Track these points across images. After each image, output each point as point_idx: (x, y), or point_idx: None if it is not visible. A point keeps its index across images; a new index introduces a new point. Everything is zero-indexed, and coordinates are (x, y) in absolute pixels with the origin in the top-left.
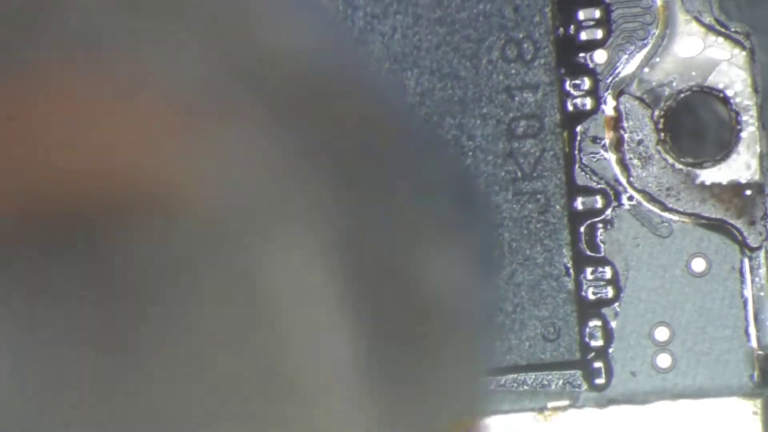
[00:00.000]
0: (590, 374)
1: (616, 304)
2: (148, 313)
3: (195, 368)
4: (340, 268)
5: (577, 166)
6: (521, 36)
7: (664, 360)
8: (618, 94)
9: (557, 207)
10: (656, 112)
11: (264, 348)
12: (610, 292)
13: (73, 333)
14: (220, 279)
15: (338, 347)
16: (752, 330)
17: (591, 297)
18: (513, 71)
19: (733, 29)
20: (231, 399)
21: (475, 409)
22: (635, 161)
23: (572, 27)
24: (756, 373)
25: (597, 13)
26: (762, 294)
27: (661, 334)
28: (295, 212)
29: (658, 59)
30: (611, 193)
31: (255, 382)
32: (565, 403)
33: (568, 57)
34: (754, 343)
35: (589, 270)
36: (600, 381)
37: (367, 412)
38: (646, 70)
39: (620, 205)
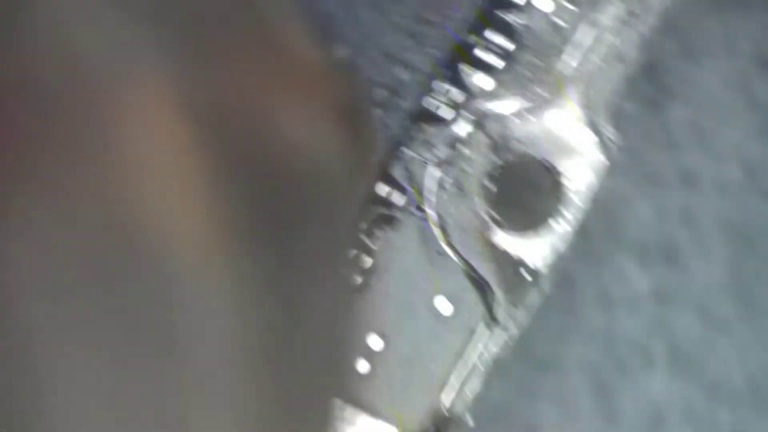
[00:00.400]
0: None
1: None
2: None
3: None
4: (197, 126)
5: (400, 156)
6: (432, 20)
7: (362, 365)
8: (476, 123)
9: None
10: (496, 159)
11: (124, 204)
12: (358, 280)
13: None
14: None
15: (201, 203)
16: (450, 389)
17: None
18: (405, 44)
19: (608, 134)
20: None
21: None
22: (451, 187)
23: (479, 40)
24: (430, 427)
25: (507, 44)
26: (479, 366)
27: (376, 342)
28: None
29: (529, 116)
30: (415, 198)
31: (112, 238)
32: None
33: (459, 64)
34: (445, 400)
35: (353, 251)
36: None
37: (233, 275)
38: (514, 118)
39: (413, 213)
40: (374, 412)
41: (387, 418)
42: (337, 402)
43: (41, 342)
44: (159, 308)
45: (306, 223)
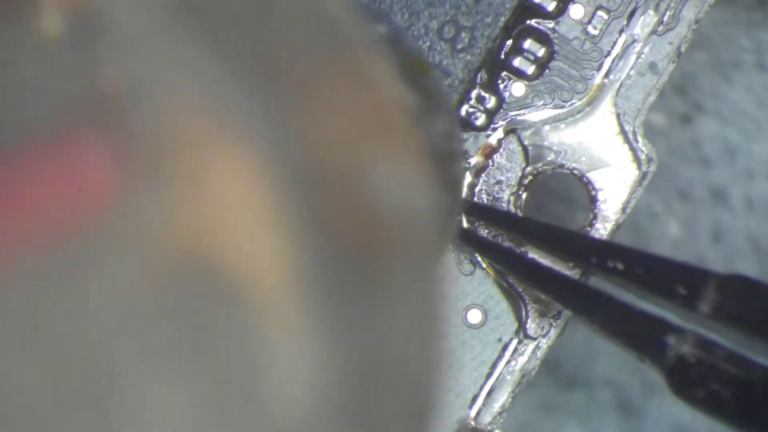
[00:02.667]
0: None
1: None
2: None
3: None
4: (281, 178)
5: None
6: (465, 25)
7: None
8: (509, 131)
9: None
10: (529, 169)
11: (203, 253)
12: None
13: None
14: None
15: (282, 253)
16: (479, 402)
17: None
18: (438, 48)
19: (641, 146)
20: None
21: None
22: (483, 195)
23: (512, 48)
24: None
25: (540, 52)
26: (507, 378)
27: None
28: (234, 126)
29: (563, 126)
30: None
31: (192, 284)
32: None
33: (492, 71)
34: (472, 413)
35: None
36: None
37: (314, 324)
38: (547, 128)
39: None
40: None
41: None
42: None
43: (126, 384)
44: (240, 349)
45: (391, 271)
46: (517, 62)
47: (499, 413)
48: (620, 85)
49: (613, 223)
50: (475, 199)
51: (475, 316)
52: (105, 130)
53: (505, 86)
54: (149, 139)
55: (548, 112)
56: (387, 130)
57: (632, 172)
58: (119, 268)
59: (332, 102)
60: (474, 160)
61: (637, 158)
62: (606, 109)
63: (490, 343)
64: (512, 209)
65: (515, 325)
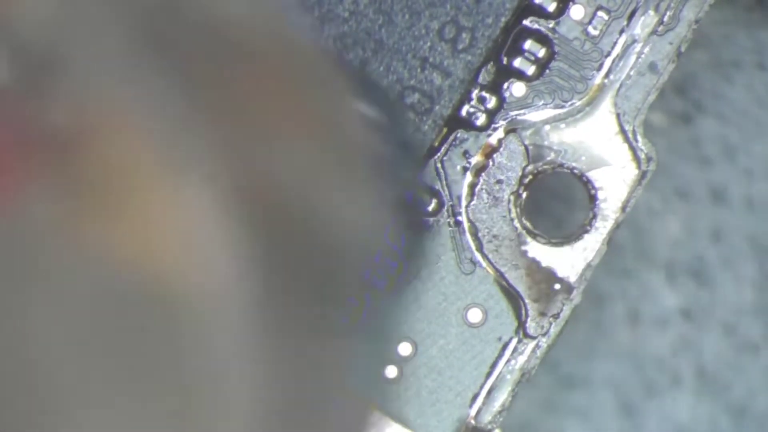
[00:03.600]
0: None
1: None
2: None
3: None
4: (235, 209)
5: (433, 162)
6: (466, 25)
7: (391, 371)
8: (509, 131)
9: None
10: (529, 168)
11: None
12: (388, 284)
13: None
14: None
15: (225, 273)
16: (479, 401)
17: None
18: (439, 48)
19: (641, 145)
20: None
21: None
22: (484, 194)
23: (513, 49)
24: None
25: (540, 52)
26: (507, 377)
27: (405, 349)
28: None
29: (563, 126)
30: (446, 205)
31: (131, 302)
32: None
33: (493, 71)
34: (472, 412)
35: (381, 253)
36: None
37: (257, 342)
38: (547, 127)
39: (445, 221)
40: (402, 421)
41: (415, 427)
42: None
43: (61, 387)
44: (177, 354)
45: (337, 291)
46: (518, 62)
47: (499, 412)
48: (620, 85)
49: (613, 222)
50: (475, 198)
51: (475, 315)
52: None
53: (506, 86)
54: (96, 167)
55: (548, 112)
56: (342, 168)
57: (632, 172)
58: (60, 286)
59: (289, 135)
60: (475, 160)
61: (636, 157)
62: (606, 108)
63: (490, 342)
64: (511, 208)
65: (515, 324)
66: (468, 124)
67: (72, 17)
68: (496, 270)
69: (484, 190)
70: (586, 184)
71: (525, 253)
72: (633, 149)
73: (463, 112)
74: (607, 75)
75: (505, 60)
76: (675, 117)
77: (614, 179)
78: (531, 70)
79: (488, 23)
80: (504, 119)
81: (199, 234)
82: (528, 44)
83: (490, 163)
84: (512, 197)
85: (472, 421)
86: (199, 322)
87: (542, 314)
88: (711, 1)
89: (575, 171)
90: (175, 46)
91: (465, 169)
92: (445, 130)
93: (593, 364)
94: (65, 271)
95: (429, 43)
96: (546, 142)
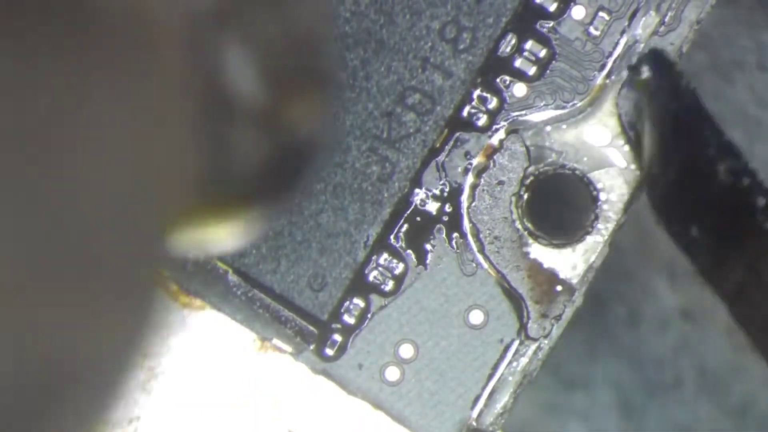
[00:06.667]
0: (324, 341)
1: (387, 300)
2: None
3: None
4: None
5: (435, 163)
6: (467, 25)
7: (392, 373)
8: (511, 132)
9: (396, 185)
10: (530, 169)
11: None
12: (389, 285)
13: None
14: None
15: None
16: (481, 402)
17: (370, 279)
18: (440, 49)
19: (641, 148)
20: None
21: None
22: (485, 196)
23: (514, 48)
24: None
25: (541, 53)
26: (509, 379)
27: (407, 351)
28: None
29: (564, 126)
30: (447, 206)
31: None
32: (288, 348)
33: (494, 71)
34: (474, 413)
35: (384, 255)
36: (329, 352)
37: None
38: (549, 128)
39: (446, 222)
40: (404, 423)
41: (417, 429)
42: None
43: None
44: None
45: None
46: (519, 63)
47: (501, 414)
48: (622, 86)
49: (615, 223)
50: (477, 199)
51: (476, 317)
52: None
53: (507, 87)
54: None
55: (550, 113)
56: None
57: (634, 172)
58: None
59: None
60: (476, 161)
61: (639, 157)
62: (608, 109)
63: (492, 344)
64: (513, 210)
65: (517, 326)
66: (469, 124)
67: None
68: (498, 272)
69: (485, 191)
70: (588, 185)
71: (527, 254)
72: (635, 150)
73: (465, 113)
74: (608, 75)
75: (506, 60)
76: None
77: (616, 180)
78: (532, 70)
79: (489, 23)
80: (505, 120)
81: None
82: (529, 44)
83: (492, 164)
84: (513, 198)
85: (474, 423)
86: None
87: (544, 316)
88: (712, 1)
89: (577, 172)
90: None
91: (466, 170)
92: (446, 131)
93: (594, 365)
94: None
95: (430, 44)
96: (547, 143)
